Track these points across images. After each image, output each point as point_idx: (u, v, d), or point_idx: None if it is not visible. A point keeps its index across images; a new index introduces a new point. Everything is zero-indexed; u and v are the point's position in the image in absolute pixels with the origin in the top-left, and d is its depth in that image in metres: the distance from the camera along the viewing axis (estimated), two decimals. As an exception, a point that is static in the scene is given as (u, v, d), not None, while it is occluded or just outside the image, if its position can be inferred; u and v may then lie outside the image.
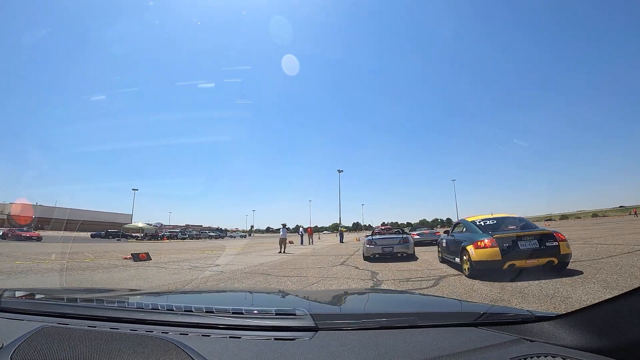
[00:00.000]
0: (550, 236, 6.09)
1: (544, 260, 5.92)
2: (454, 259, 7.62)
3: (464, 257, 6.76)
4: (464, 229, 7.63)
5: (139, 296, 1.72)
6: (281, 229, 17.05)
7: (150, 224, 47.86)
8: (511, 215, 7.62)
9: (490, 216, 7.51)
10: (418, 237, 17.54)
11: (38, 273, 8.41)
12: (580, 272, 6.05)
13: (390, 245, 10.42)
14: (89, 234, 44.80)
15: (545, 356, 0.74)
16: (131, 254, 11.57)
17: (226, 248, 21.45)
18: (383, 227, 15.70)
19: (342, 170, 61.47)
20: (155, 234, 44.84)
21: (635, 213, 53.14)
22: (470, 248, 6.44)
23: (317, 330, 0.90)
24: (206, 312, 1.01)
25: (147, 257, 11.64)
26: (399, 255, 10.50)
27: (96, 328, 0.96)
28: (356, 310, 1.40)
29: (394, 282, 6.59)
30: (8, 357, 0.78)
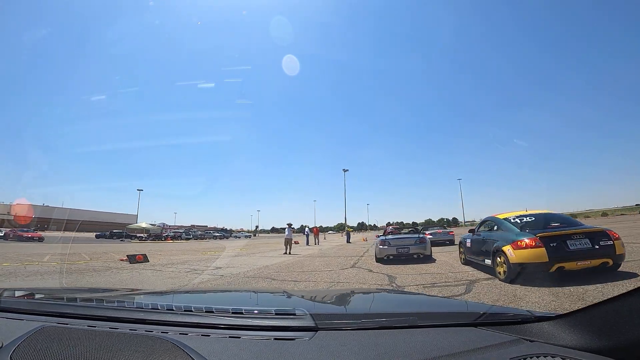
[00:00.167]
0: (603, 234, 5.22)
1: (597, 262, 5.05)
2: (483, 260, 6.73)
3: (498, 259, 5.88)
4: (495, 228, 6.71)
5: (138, 296, 1.69)
6: (286, 229, 16.17)
7: (154, 225, 47.44)
8: (548, 212, 6.71)
9: (525, 212, 6.60)
10: (431, 237, 16.55)
11: (20, 276, 7.71)
12: (635, 275, 5.34)
13: (406, 246, 9.54)
14: (94, 234, 44.80)
15: (545, 356, 0.73)
16: (127, 256, 10.84)
17: (229, 249, 20.66)
18: (393, 227, 14.79)
19: (347, 170, 60.56)
20: (159, 234, 44.40)
21: None
22: (507, 249, 5.54)
23: (317, 330, 0.89)
24: (206, 312, 1.00)
25: (144, 258, 10.90)
26: (415, 256, 9.62)
27: (96, 328, 0.95)
28: (356, 310, 1.39)
29: (416, 288, 5.72)
30: (8, 356, 0.77)
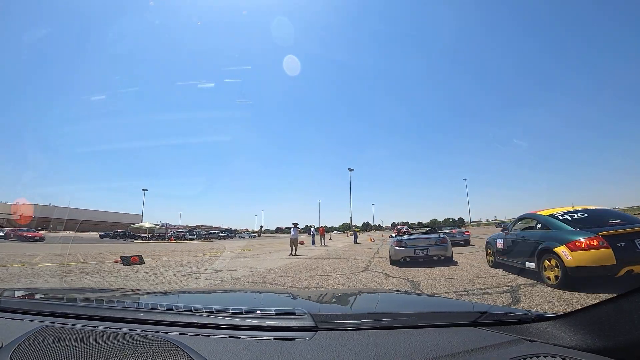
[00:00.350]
0: None
1: None
2: (522, 263, 5.79)
3: (547, 262, 4.96)
4: (538, 226, 5.76)
5: (138, 296, 1.69)
6: (292, 229, 15.28)
7: (157, 224, 46.93)
8: (598, 207, 5.74)
9: (572, 208, 5.64)
10: (445, 237, 15.58)
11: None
12: None
13: (425, 247, 8.61)
14: (99, 234, 44.57)
15: (545, 356, 0.73)
16: (120, 257, 10.03)
17: (232, 250, 19.81)
18: (399, 226, 13.83)
19: (352, 169, 59.79)
20: (162, 234, 43.85)
21: None
22: (561, 250, 4.61)
23: (316, 330, 0.89)
24: (206, 312, 0.99)
25: (139, 260, 10.10)
26: (435, 258, 8.68)
27: (96, 328, 0.94)
28: (356, 310, 1.38)
29: (450, 297, 4.79)
30: (8, 356, 0.77)
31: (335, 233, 78.52)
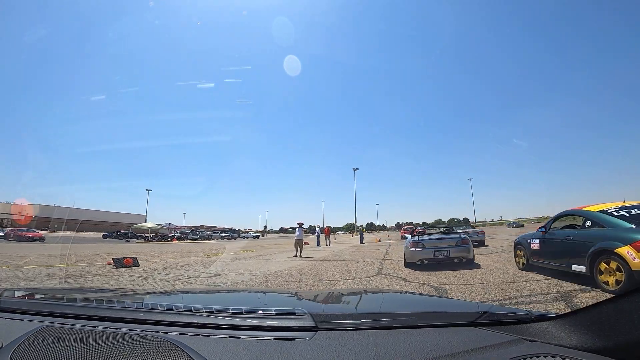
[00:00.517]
0: None
1: None
2: (569, 266, 5.01)
3: (605, 265, 4.20)
4: (588, 224, 4.94)
5: (138, 296, 1.68)
6: (297, 229, 14.44)
7: (160, 225, 46.41)
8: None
9: (626, 204, 4.84)
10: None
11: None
12: None
13: (445, 248, 7.80)
14: (102, 234, 44.31)
15: (545, 356, 0.72)
16: (112, 259, 9.32)
17: (234, 251, 19.08)
18: (408, 226, 13.01)
19: (357, 169, 59.00)
20: (165, 234, 43.31)
21: None
22: (625, 251, 3.86)
23: (316, 330, 0.88)
24: (206, 312, 0.98)
25: (133, 262, 9.40)
26: (456, 261, 7.88)
27: (96, 328, 0.94)
28: (356, 310, 1.39)
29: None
30: (8, 356, 0.76)
31: (340, 233, 77.74)
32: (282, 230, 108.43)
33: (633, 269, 3.74)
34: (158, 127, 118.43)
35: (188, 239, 42.92)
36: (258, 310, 1.02)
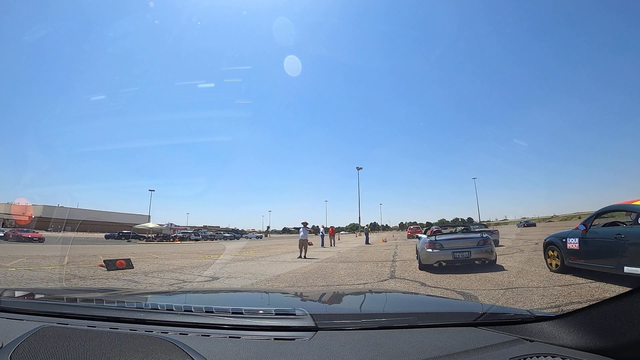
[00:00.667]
0: None
1: None
2: (620, 268, 4.32)
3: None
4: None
5: (138, 296, 1.69)
6: (301, 229, 13.70)
7: (162, 225, 45.90)
8: None
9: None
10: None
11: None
12: None
13: (466, 249, 7.07)
14: (104, 234, 44.07)
15: (545, 356, 0.72)
16: (104, 261, 8.68)
17: (236, 252, 18.40)
18: (414, 225, 12.22)
19: (361, 168, 58.10)
20: (166, 235, 42.77)
21: None
22: None
23: (316, 330, 0.88)
24: (206, 312, 0.98)
25: (126, 264, 8.75)
26: (477, 262, 7.15)
27: (96, 328, 0.93)
28: (356, 310, 1.38)
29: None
30: (7, 357, 0.76)
31: (343, 233, 76.99)
32: (286, 231, 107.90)
33: None
34: (160, 127, 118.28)
35: (190, 240, 42.35)
36: (258, 310, 1.01)
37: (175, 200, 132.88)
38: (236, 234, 66.17)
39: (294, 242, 16.62)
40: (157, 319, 0.96)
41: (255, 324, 0.92)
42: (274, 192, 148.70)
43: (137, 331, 0.89)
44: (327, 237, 22.84)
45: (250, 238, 60.75)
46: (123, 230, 43.80)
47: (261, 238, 62.90)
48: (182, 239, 41.68)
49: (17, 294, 1.34)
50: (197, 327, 0.91)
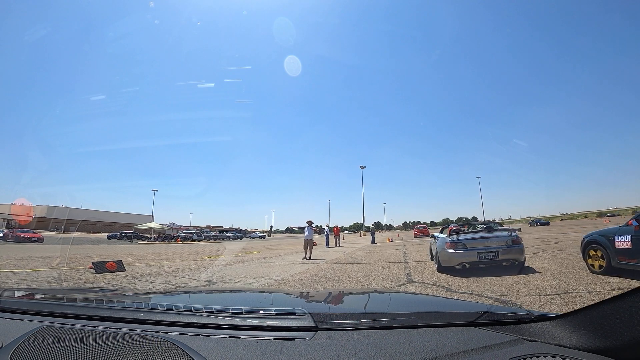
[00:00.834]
0: None
1: None
2: None
3: None
4: None
5: (138, 296, 1.69)
6: (306, 228, 12.94)
7: (164, 225, 45.33)
8: None
9: None
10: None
11: None
12: None
13: (492, 249, 6.30)
14: (106, 234, 43.73)
15: (545, 356, 0.72)
16: (92, 263, 7.99)
17: (236, 252, 17.64)
18: (418, 225, 11.42)
19: (365, 167, 57.33)
20: (168, 235, 42.21)
21: None
22: None
23: (316, 330, 0.88)
24: (206, 312, 0.98)
25: (117, 266, 8.06)
26: (505, 264, 6.38)
27: (96, 328, 0.93)
28: (356, 310, 1.37)
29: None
30: (7, 357, 0.76)
31: (347, 233, 76.20)
32: (289, 230, 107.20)
33: None
34: (160, 127, 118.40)
35: (192, 240, 41.77)
36: (258, 310, 1.01)
37: (179, 201, 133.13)
38: (239, 234, 65.54)
39: (297, 242, 15.92)
40: (157, 319, 0.96)
41: (255, 324, 0.92)
42: (277, 192, 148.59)
43: (137, 331, 0.88)
44: (331, 237, 22.11)
45: (254, 238, 60.11)
46: (126, 230, 43.47)
47: (264, 238, 62.25)
48: (184, 239, 41.08)
49: (17, 294, 1.35)
50: (197, 327, 0.91)
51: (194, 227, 64.05)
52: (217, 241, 42.52)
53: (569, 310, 0.86)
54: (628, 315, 0.69)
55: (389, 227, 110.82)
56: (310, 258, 11.79)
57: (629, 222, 4.95)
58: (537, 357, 0.71)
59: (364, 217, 37.08)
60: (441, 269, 6.93)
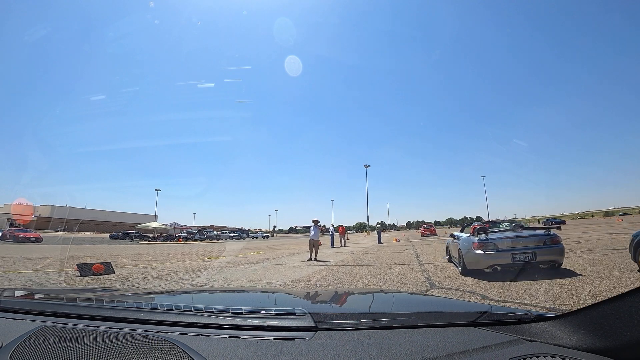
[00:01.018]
0: None
1: None
2: None
3: None
4: None
5: (138, 296, 1.69)
6: (312, 228, 11.95)
7: (166, 225, 44.78)
8: None
9: None
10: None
11: None
12: None
13: (529, 249, 5.49)
14: (109, 234, 43.37)
15: (545, 356, 0.72)
16: (77, 265, 7.25)
17: (238, 253, 16.89)
18: (425, 224, 10.59)
19: (369, 165, 56.46)
20: (171, 235, 41.61)
21: None
22: None
23: (316, 330, 0.87)
24: (206, 312, 0.98)
25: (105, 269, 7.32)
26: (542, 266, 5.57)
27: (96, 328, 0.93)
28: (356, 310, 1.36)
29: None
30: (7, 356, 0.75)
31: (350, 233, 75.39)
32: (292, 230, 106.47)
33: None
34: (161, 127, 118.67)
35: (195, 240, 41.14)
36: (258, 310, 1.01)
37: (182, 201, 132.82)
38: (242, 234, 64.86)
39: (300, 242, 15.18)
40: (157, 318, 0.95)
41: (255, 324, 0.91)
42: (280, 192, 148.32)
43: (137, 331, 0.88)
44: (336, 237, 21.29)
45: (257, 238, 59.41)
46: (128, 230, 42.99)
47: (267, 238, 61.52)
48: (186, 239, 40.47)
49: (17, 293, 1.35)
50: (197, 327, 0.91)
51: (197, 227, 63.52)
52: (220, 241, 41.86)
53: (568, 311, 0.86)
54: (628, 315, 0.69)
55: (393, 227, 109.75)
56: (315, 259, 11.00)
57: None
58: (537, 357, 0.71)
59: (368, 216, 36.51)
60: (466, 272, 6.11)
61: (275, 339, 0.82)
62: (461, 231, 7.96)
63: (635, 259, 5.19)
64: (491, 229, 6.38)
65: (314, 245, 11.36)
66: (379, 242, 22.66)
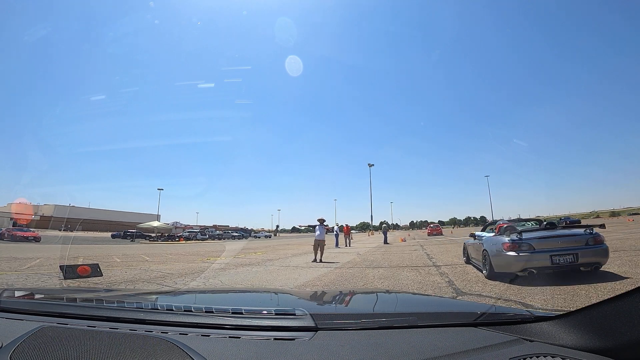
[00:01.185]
0: None
1: None
2: None
3: None
4: None
5: (138, 296, 1.68)
6: (317, 227, 11.17)
7: (167, 224, 44.25)
8: None
9: None
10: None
11: None
12: None
13: (570, 250, 4.78)
14: (110, 234, 43.06)
15: (545, 356, 0.71)
16: (60, 267, 6.60)
17: (239, 253, 16.21)
18: (431, 224, 9.85)
19: (372, 165, 55.74)
20: (172, 234, 41.06)
21: None
22: None
23: (316, 330, 0.87)
24: (206, 312, 0.98)
25: (92, 271, 6.67)
26: (582, 269, 4.86)
27: (96, 328, 0.93)
28: (356, 310, 1.36)
29: None
30: (7, 356, 0.75)
31: (354, 232, 74.72)
32: (295, 230, 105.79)
33: None
34: (161, 127, 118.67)
35: (196, 239, 40.58)
36: (258, 310, 1.01)
37: (184, 200, 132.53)
38: (244, 233, 64.29)
39: (304, 242, 14.54)
40: (157, 319, 0.95)
41: (255, 324, 0.91)
42: (282, 191, 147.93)
43: (137, 331, 0.88)
44: (341, 237, 20.60)
45: (259, 237, 58.83)
46: (130, 229, 42.56)
47: (270, 237, 60.90)
48: (187, 238, 39.90)
49: (17, 293, 1.34)
50: (197, 327, 0.91)
51: (200, 226, 63.02)
52: (222, 240, 41.26)
53: (568, 310, 0.86)
54: (628, 315, 0.69)
55: (396, 227, 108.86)
56: (321, 261, 10.32)
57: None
58: (537, 357, 0.71)
59: (372, 216, 35.83)
60: (493, 276, 5.42)
61: (275, 339, 0.82)
62: (483, 230, 7.25)
63: None
64: (519, 229, 5.67)
65: (320, 245, 10.66)
66: (385, 242, 21.93)
